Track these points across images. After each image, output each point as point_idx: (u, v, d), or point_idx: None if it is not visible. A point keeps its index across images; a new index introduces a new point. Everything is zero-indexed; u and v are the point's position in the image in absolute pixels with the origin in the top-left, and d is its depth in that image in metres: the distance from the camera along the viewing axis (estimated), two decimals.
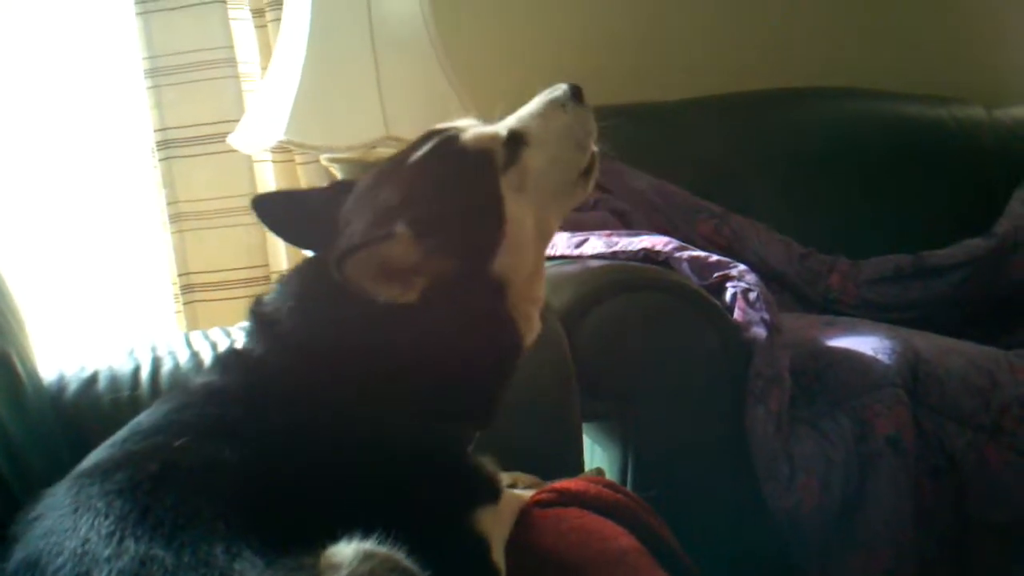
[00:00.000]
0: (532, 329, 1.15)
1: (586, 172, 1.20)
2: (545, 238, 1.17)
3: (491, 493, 1.09)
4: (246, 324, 1.12)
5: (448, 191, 1.10)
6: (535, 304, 1.15)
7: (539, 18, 2.75)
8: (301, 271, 1.14)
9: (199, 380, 1.10)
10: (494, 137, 1.14)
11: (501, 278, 1.09)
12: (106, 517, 0.83)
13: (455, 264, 1.06)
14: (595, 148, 1.21)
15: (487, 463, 1.12)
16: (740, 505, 1.76)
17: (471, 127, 1.16)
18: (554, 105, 1.19)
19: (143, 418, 1.02)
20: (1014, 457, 1.82)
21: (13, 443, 1.13)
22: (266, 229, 1.28)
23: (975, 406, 1.84)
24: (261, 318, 1.10)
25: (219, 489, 0.87)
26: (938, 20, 3.04)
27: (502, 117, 1.18)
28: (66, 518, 0.86)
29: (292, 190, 1.20)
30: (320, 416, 0.99)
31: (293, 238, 1.23)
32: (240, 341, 1.13)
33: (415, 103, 1.80)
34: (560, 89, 1.19)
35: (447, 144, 1.13)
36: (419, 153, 1.13)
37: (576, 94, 1.19)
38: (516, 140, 1.15)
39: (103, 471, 0.90)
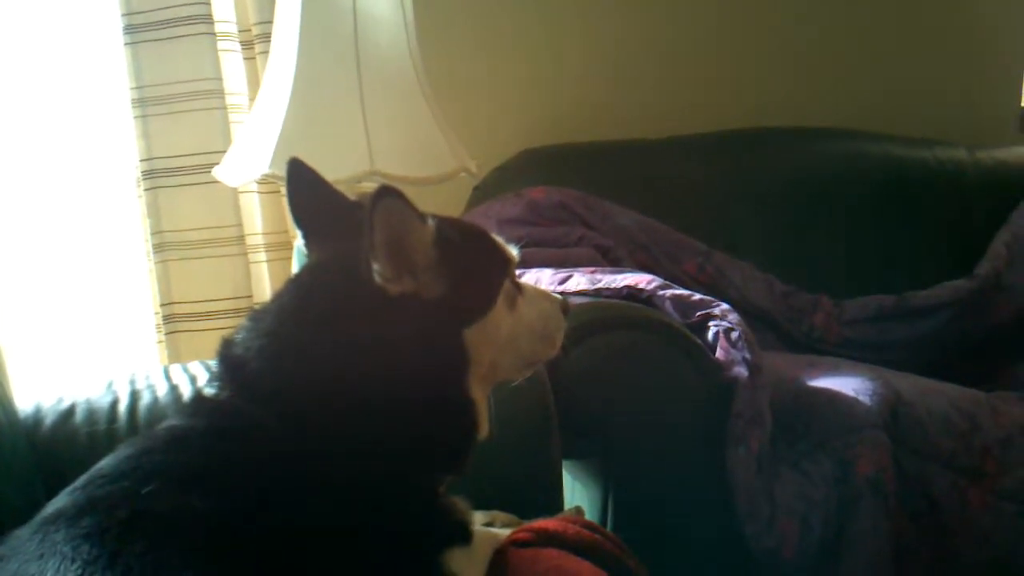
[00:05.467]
0: (484, 420, 1.15)
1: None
2: (492, 369, 1.17)
3: (462, 534, 1.09)
4: (214, 365, 1.10)
5: (471, 245, 1.15)
6: (483, 400, 1.16)
7: (526, 57, 2.78)
8: (272, 308, 1.12)
9: (163, 424, 1.08)
10: (514, 255, 1.23)
11: (469, 350, 1.10)
12: (73, 562, 0.82)
13: (444, 292, 1.07)
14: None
15: (459, 504, 1.12)
16: (721, 546, 1.75)
17: None
18: (553, 297, 1.29)
19: (105, 463, 1.00)
20: (995, 500, 1.83)
21: None
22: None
23: (956, 448, 1.84)
24: (229, 360, 1.08)
25: (188, 537, 0.86)
26: (922, 62, 3.08)
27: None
28: (31, 563, 0.84)
29: (323, 179, 1.21)
30: (287, 462, 0.98)
31: (300, 213, 1.22)
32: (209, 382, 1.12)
33: (400, 138, 1.80)
34: (559, 296, 1.30)
35: (481, 227, 1.22)
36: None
37: (566, 310, 1.29)
38: (517, 276, 1.23)
39: (68, 517, 0.89)
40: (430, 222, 1.06)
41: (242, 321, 1.13)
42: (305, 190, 1.21)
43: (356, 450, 1.01)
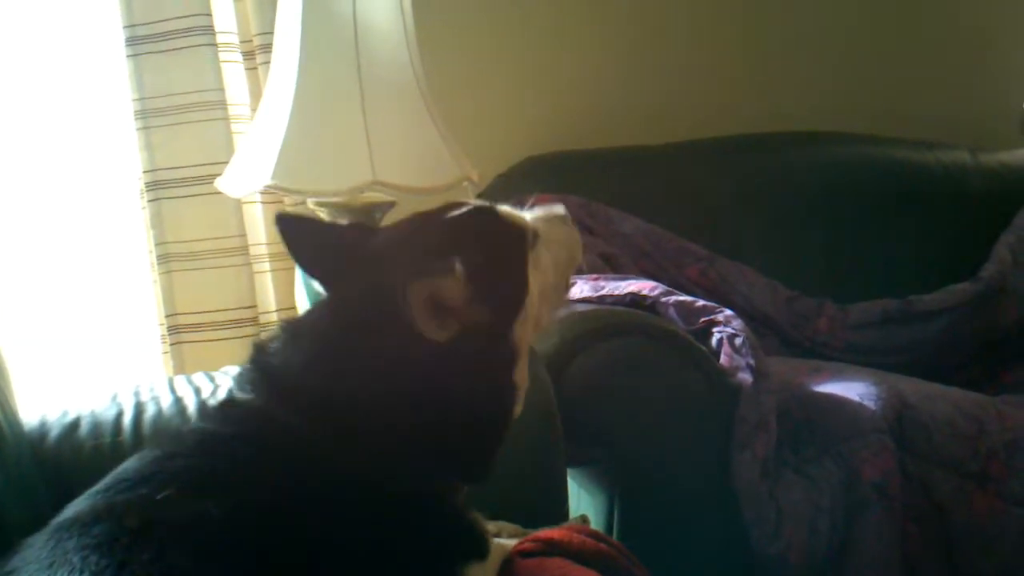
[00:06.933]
0: (521, 403, 1.17)
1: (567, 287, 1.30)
2: (538, 327, 1.20)
3: (481, 550, 1.10)
4: (246, 370, 1.09)
5: (492, 248, 1.15)
6: (524, 382, 1.17)
7: (528, 65, 2.78)
8: (312, 331, 1.11)
9: (191, 427, 1.08)
10: (525, 219, 1.22)
11: (516, 343, 1.12)
12: (81, 572, 0.82)
13: (487, 316, 1.08)
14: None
15: (480, 519, 1.13)
16: (727, 552, 1.75)
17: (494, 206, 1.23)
18: (558, 218, 1.28)
19: (129, 465, 1.00)
20: (1001, 504, 1.82)
21: None
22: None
23: (962, 453, 1.83)
24: (264, 368, 1.07)
25: (199, 545, 0.86)
26: (924, 65, 3.07)
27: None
28: (42, 572, 0.85)
29: (317, 219, 1.21)
30: (314, 472, 0.97)
31: (306, 262, 1.22)
32: (227, 387, 1.11)
33: (403, 148, 1.80)
34: (560, 208, 1.30)
35: (486, 211, 1.20)
36: (459, 212, 1.17)
37: (568, 220, 1.30)
38: (534, 231, 1.22)
39: (82, 523, 0.89)
40: (457, 268, 1.04)
41: (276, 331, 1.13)
42: (304, 239, 1.20)
43: (389, 461, 1.01)
